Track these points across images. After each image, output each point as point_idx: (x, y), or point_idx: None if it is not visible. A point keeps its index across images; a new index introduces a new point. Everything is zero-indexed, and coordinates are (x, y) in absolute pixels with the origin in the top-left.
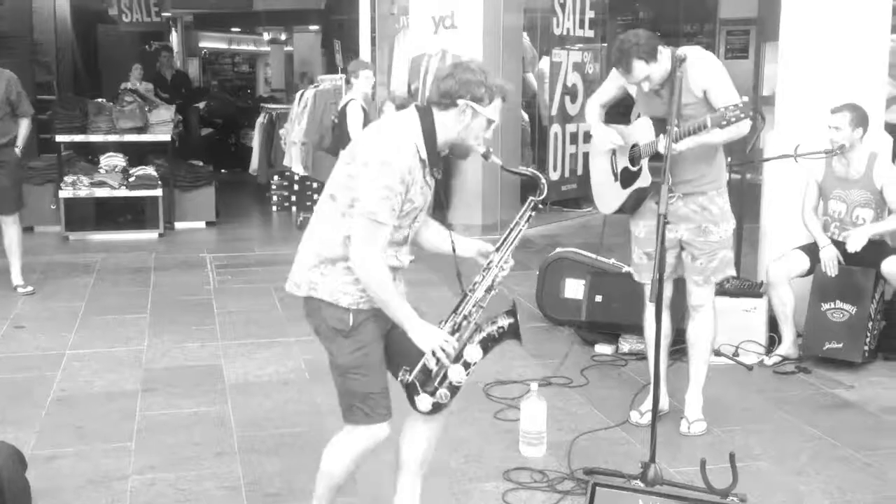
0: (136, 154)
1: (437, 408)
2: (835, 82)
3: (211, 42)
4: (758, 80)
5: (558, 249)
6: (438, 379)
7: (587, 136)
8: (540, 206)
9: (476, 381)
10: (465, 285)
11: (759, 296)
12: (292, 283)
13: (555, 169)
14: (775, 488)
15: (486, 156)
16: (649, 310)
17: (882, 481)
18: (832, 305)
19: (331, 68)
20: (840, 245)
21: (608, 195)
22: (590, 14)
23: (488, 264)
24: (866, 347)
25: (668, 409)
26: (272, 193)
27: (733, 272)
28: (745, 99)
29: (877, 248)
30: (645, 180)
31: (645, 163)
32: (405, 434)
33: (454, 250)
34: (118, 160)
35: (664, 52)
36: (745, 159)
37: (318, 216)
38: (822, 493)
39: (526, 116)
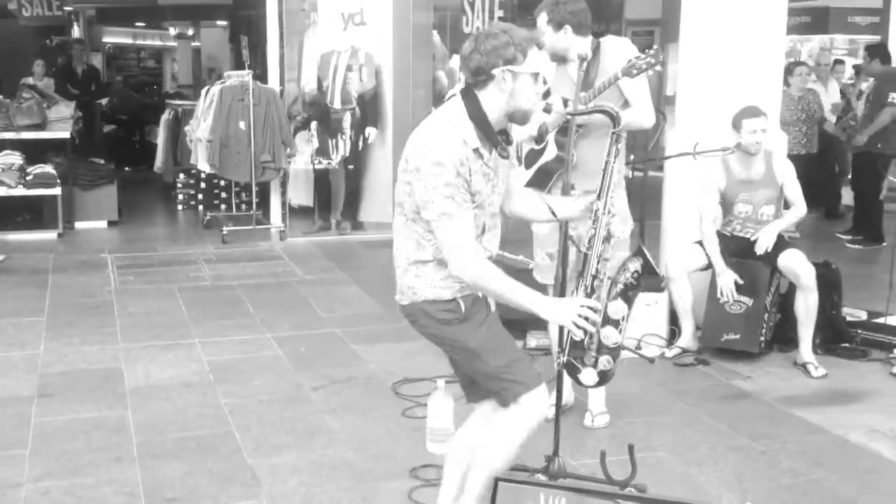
0: (35, 152)
1: (603, 377)
2: (733, 82)
3: (115, 37)
4: (661, 79)
5: None
6: (594, 348)
7: None
8: (622, 136)
9: (384, 378)
10: (579, 245)
11: (661, 290)
12: (398, 292)
13: None
14: (674, 478)
15: (547, 109)
16: None
17: (777, 470)
18: (730, 298)
19: (238, 64)
20: (743, 240)
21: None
22: (499, 13)
23: (595, 214)
24: (763, 339)
25: (572, 402)
26: (178, 192)
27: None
28: (656, 47)
29: (778, 246)
30: (550, 153)
31: (551, 138)
32: (462, 435)
33: (555, 215)
34: (15, 158)
35: (574, 37)
36: (646, 157)
37: (395, 223)
38: (720, 482)
39: None
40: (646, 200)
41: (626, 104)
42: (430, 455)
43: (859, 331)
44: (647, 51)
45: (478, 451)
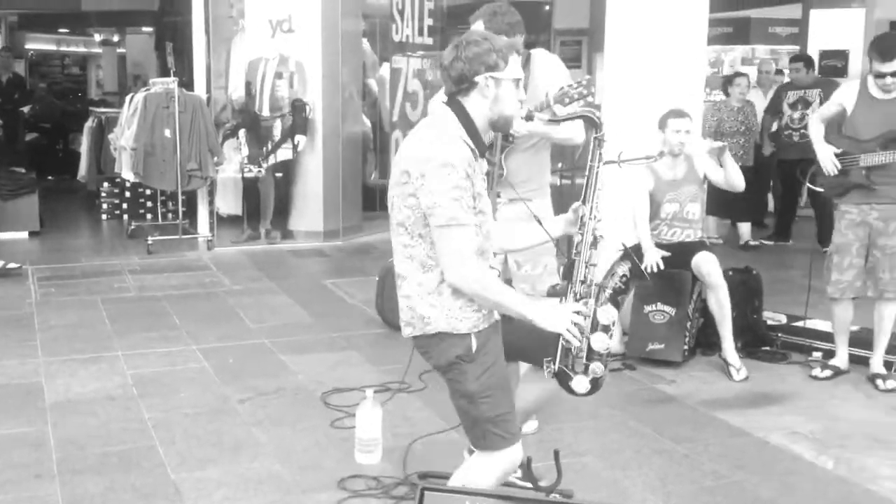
0: None
1: (595, 385)
2: (657, 91)
3: (38, 43)
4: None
5: None
6: (584, 355)
7: None
8: (604, 140)
9: (313, 389)
10: (567, 251)
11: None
12: (404, 323)
13: (381, 176)
14: (600, 483)
15: (529, 117)
16: None
17: (700, 472)
18: (654, 307)
19: (164, 71)
20: (668, 246)
21: None
22: (428, 21)
23: (581, 220)
24: (686, 346)
25: None
26: (102, 201)
27: (557, 279)
28: (588, 77)
29: (692, 248)
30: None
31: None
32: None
33: (549, 234)
34: None
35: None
36: (573, 165)
37: (398, 250)
38: (644, 486)
39: (368, 122)
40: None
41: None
42: (359, 466)
43: (779, 334)
44: (580, 81)
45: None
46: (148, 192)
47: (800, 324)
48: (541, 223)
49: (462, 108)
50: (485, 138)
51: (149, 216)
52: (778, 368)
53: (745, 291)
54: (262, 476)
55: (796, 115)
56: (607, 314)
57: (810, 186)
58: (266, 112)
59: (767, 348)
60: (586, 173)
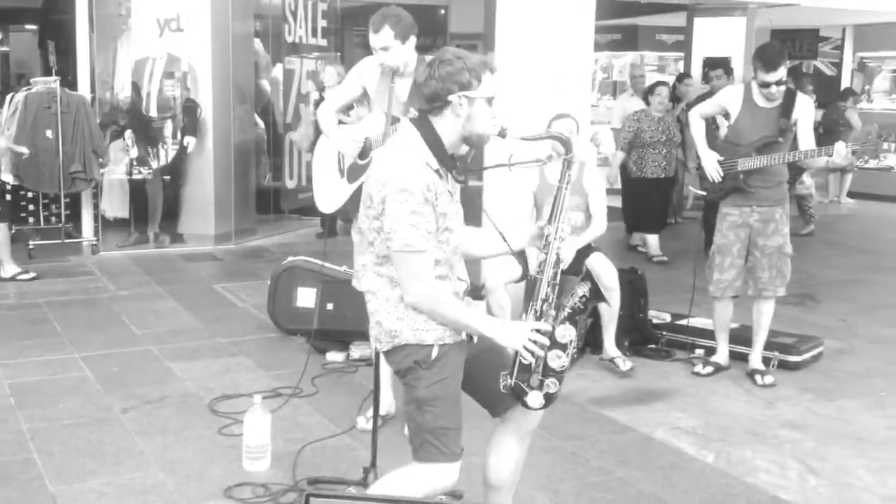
0: None
1: (549, 399)
2: (546, 96)
3: None
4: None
5: (290, 258)
6: (540, 371)
7: None
8: (573, 161)
9: (201, 396)
10: (529, 269)
11: (480, 298)
12: (374, 340)
13: (291, 177)
14: None
15: (502, 134)
16: None
17: (586, 469)
18: None
19: (47, 70)
20: None
21: (333, 192)
22: (322, 23)
23: (546, 240)
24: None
25: (394, 412)
26: None
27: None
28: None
29: (584, 251)
30: None
31: (375, 154)
32: (492, 456)
33: (510, 249)
34: None
35: (413, 51)
36: (465, 168)
37: (367, 267)
38: (532, 485)
39: (261, 123)
40: (466, 210)
41: None
42: (247, 473)
43: (664, 332)
44: None
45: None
46: (29, 194)
47: (683, 322)
48: (504, 237)
49: (430, 126)
50: (456, 152)
51: (31, 220)
52: (662, 366)
53: (632, 291)
54: (145, 486)
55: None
56: (565, 333)
57: (694, 190)
58: (154, 113)
59: (653, 346)
60: (554, 193)
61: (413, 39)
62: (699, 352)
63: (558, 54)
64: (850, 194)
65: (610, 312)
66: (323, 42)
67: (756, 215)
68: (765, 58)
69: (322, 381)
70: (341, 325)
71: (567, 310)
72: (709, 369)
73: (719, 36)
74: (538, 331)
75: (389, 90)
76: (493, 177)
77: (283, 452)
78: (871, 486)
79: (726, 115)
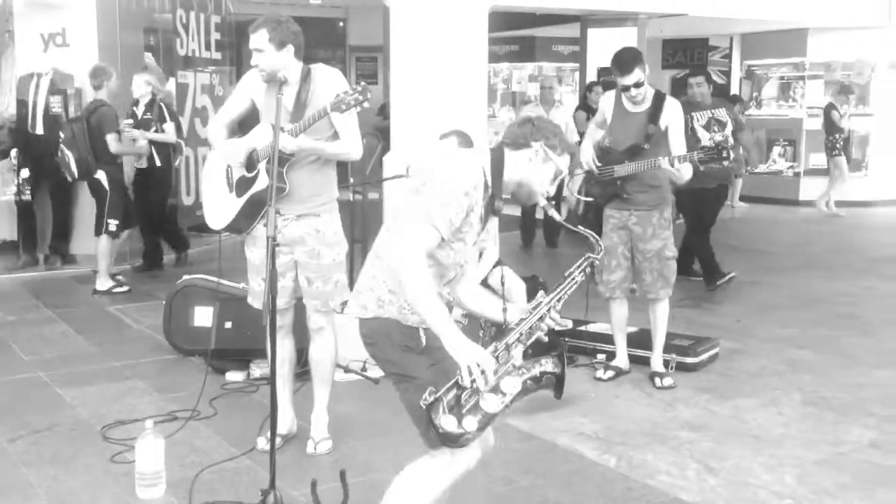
0: None
1: (459, 438)
2: (442, 108)
3: None
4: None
5: (185, 277)
6: (468, 406)
7: None
8: (595, 263)
9: (93, 423)
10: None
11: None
12: (357, 305)
13: (188, 193)
14: None
15: (545, 209)
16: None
17: (490, 478)
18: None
19: None
20: None
21: (222, 208)
22: (216, 36)
23: (537, 304)
24: None
25: (296, 431)
26: None
27: (349, 296)
28: (364, 84)
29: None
30: (262, 183)
31: (262, 166)
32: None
33: (504, 319)
34: None
35: (293, 59)
36: (364, 179)
37: (386, 244)
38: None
39: None
40: (367, 222)
41: (335, 136)
42: (140, 502)
43: (566, 339)
44: (354, 86)
45: (397, 486)
46: None
47: (584, 328)
48: (504, 310)
49: (501, 157)
50: (503, 194)
51: None
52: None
53: (532, 298)
54: None
55: (719, 136)
56: (511, 385)
57: (578, 197)
58: (40, 130)
59: (555, 353)
60: (566, 278)
61: (291, 49)
62: (601, 357)
63: (453, 66)
64: (742, 198)
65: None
66: (217, 55)
67: (634, 219)
68: (619, 62)
69: (221, 403)
70: (241, 343)
71: (523, 371)
72: (610, 374)
73: (613, 46)
74: (489, 367)
75: (277, 101)
76: (391, 190)
77: (179, 478)
78: (767, 484)
79: (604, 123)
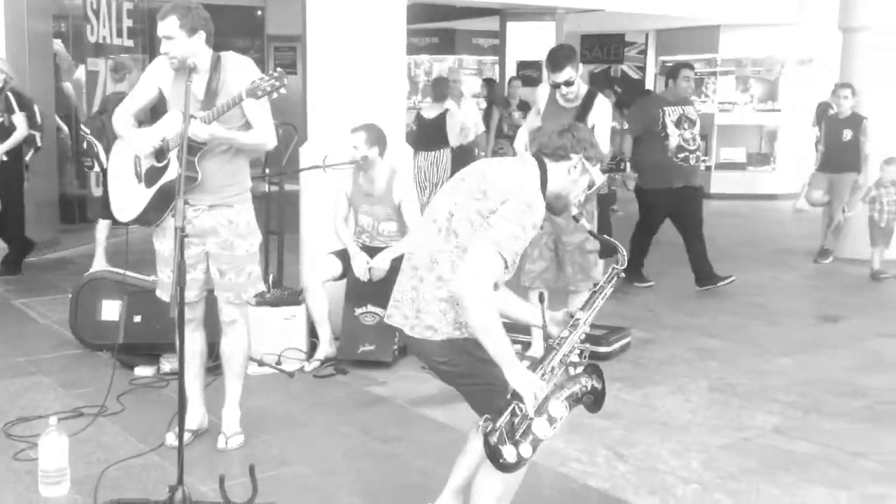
0: None
1: (519, 461)
2: (359, 98)
3: None
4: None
5: (93, 269)
6: (521, 431)
7: None
8: (622, 274)
9: None
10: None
11: (299, 303)
12: (423, 327)
13: (97, 184)
14: (308, 492)
15: (577, 218)
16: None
17: (405, 470)
18: (364, 309)
19: None
20: (373, 250)
21: (131, 199)
22: (128, 23)
23: (575, 321)
24: (395, 347)
25: (207, 426)
26: None
27: (263, 287)
28: (280, 70)
29: (400, 260)
30: (173, 173)
31: (173, 155)
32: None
33: (544, 327)
34: None
35: (204, 46)
36: (280, 170)
37: (441, 254)
38: (350, 490)
39: (65, 128)
40: (284, 213)
41: (247, 125)
42: (44, 500)
43: None
44: (270, 73)
45: (478, 485)
46: None
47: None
48: (543, 313)
49: (545, 167)
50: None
51: None
52: None
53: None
54: None
55: (688, 134)
56: (559, 409)
57: None
58: None
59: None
60: (595, 290)
61: (203, 35)
62: (517, 347)
63: (371, 57)
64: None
65: None
66: (129, 43)
67: None
68: (552, 59)
69: (129, 398)
70: (150, 337)
71: (567, 391)
72: (525, 364)
73: (531, 40)
74: (540, 395)
75: (186, 88)
76: (308, 181)
77: (84, 476)
78: (674, 469)
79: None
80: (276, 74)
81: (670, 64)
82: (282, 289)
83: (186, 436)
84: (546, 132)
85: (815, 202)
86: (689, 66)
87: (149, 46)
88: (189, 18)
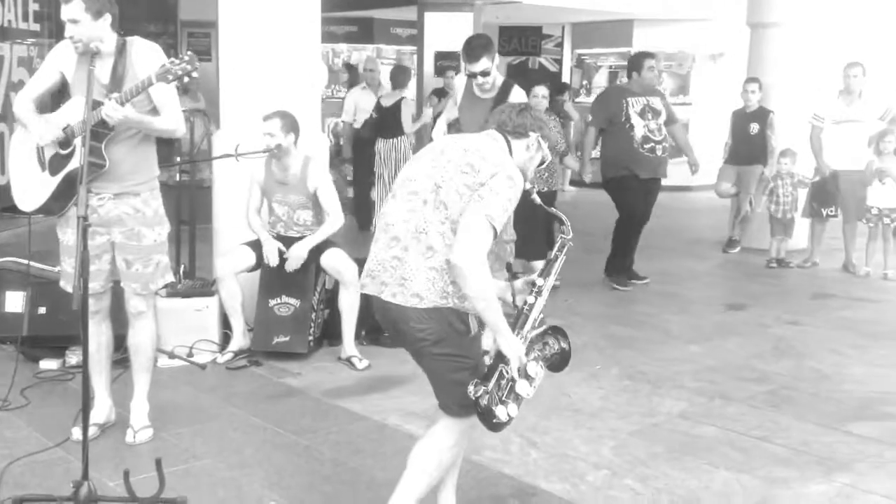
0: None
1: (509, 421)
2: (272, 86)
3: None
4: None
5: None
6: (506, 392)
7: None
8: (567, 244)
9: None
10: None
11: (212, 294)
12: (409, 294)
13: (2, 172)
14: (217, 485)
15: (530, 192)
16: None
17: (319, 462)
18: (278, 300)
19: None
20: (286, 240)
21: (34, 188)
22: (35, 6)
23: (539, 288)
24: (311, 338)
25: (114, 419)
26: None
27: (171, 278)
28: (191, 53)
29: (321, 246)
30: (77, 160)
31: (78, 142)
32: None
33: (514, 297)
34: None
35: (111, 29)
36: (191, 159)
37: (429, 224)
38: (262, 483)
39: None
40: (196, 203)
41: (154, 111)
42: None
43: None
44: (181, 56)
45: (415, 456)
46: None
47: None
48: (513, 287)
49: (510, 144)
50: None
51: None
52: (398, 353)
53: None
54: None
55: (653, 125)
56: (535, 369)
57: None
58: None
59: (388, 334)
60: (550, 259)
61: (109, 18)
62: None
63: (285, 44)
64: (572, 182)
65: (350, 307)
66: (36, 27)
67: None
68: (468, 49)
69: (34, 392)
70: (56, 329)
71: (539, 352)
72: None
73: (449, 31)
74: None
75: (89, 73)
76: (221, 170)
77: None
78: (585, 456)
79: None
80: (186, 58)
81: (634, 53)
82: (194, 280)
83: (93, 430)
84: (504, 111)
85: (722, 194)
86: (650, 55)
87: (55, 31)
88: (94, 1)
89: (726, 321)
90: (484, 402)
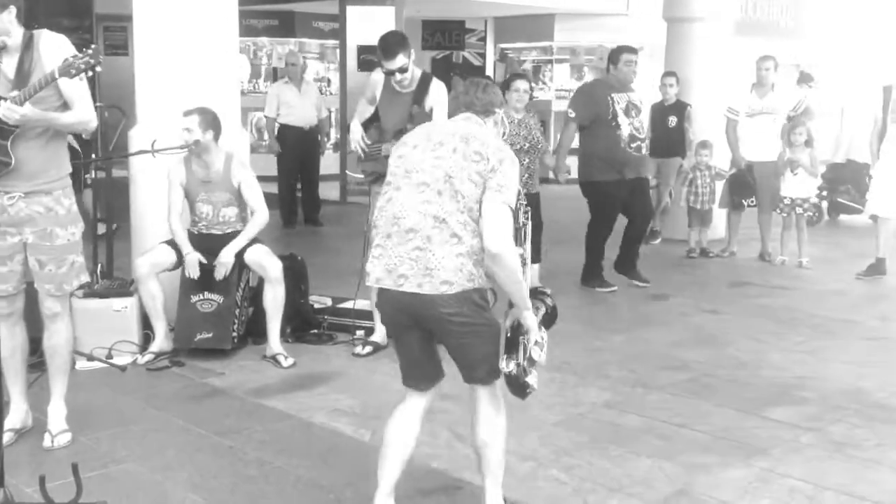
0: None
1: (528, 390)
2: (189, 81)
3: None
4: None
5: None
6: (525, 362)
7: None
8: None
9: None
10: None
11: (131, 294)
12: (440, 282)
13: None
14: (139, 489)
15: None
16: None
17: (243, 462)
18: (201, 297)
19: None
20: (211, 238)
21: None
22: None
23: (523, 260)
24: (235, 335)
25: (31, 424)
26: None
27: (87, 278)
28: (95, 46)
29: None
30: None
31: None
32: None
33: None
34: None
35: (17, 22)
36: (108, 155)
37: (448, 214)
38: (185, 485)
39: None
40: (114, 201)
41: (64, 107)
42: None
43: (326, 317)
44: (84, 50)
45: (484, 435)
46: None
47: (348, 305)
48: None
49: (484, 125)
50: None
51: None
52: (325, 350)
53: (292, 277)
54: None
55: (637, 122)
56: (542, 335)
57: (352, 174)
58: None
59: (315, 331)
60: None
61: (13, 10)
62: (360, 333)
63: (201, 38)
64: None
65: (275, 304)
66: None
67: None
68: (383, 47)
69: None
70: None
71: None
72: (368, 349)
73: (371, 24)
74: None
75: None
76: (138, 166)
77: None
78: (511, 448)
79: (374, 99)
80: (90, 52)
81: (613, 47)
82: (112, 279)
83: (9, 435)
84: (468, 91)
85: None
86: (630, 49)
87: None
88: None
89: (649, 310)
90: (518, 374)
